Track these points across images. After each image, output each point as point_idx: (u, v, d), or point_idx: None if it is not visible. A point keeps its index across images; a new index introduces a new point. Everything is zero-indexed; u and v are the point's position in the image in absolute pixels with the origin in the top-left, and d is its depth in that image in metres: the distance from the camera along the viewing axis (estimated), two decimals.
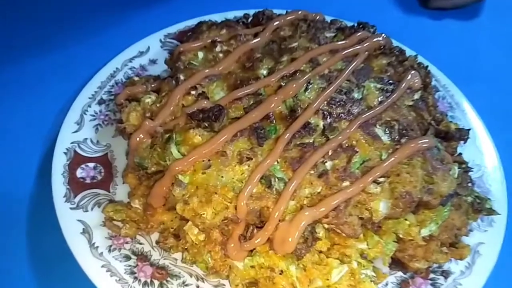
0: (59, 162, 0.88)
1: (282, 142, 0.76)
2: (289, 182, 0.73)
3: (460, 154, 0.91)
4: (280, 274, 0.71)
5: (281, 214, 0.71)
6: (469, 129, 0.93)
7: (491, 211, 0.81)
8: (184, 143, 0.77)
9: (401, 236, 0.77)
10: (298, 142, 0.78)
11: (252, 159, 0.74)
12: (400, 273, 0.80)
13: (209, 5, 1.27)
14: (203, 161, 0.74)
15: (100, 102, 1.00)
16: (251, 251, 0.74)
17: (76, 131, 0.94)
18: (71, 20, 1.29)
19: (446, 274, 0.81)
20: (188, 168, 0.74)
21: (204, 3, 1.33)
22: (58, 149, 0.90)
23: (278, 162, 0.76)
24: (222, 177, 0.74)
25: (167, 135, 0.78)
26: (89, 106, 0.98)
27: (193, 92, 0.85)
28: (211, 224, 0.71)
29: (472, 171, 0.89)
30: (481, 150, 0.98)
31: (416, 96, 0.90)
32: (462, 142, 0.93)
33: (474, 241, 0.83)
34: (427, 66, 0.98)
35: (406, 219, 0.77)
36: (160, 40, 1.14)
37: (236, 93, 0.84)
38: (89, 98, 1.00)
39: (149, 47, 1.12)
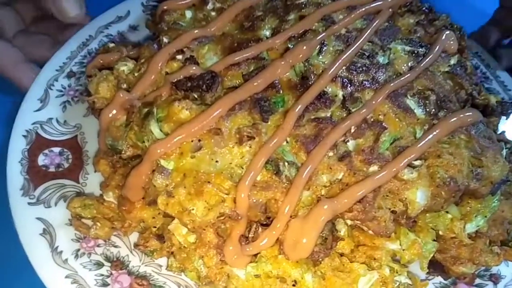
0: (17, 147, 0.73)
1: (292, 116, 0.63)
2: (302, 167, 0.60)
3: (504, 132, 0.77)
4: (293, 286, 0.56)
5: (292, 208, 0.58)
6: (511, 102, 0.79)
7: None
8: (167, 120, 0.62)
9: (441, 233, 0.65)
10: (312, 117, 0.64)
11: (254, 138, 0.61)
12: (439, 279, 0.66)
13: None
14: (192, 141, 0.60)
15: (70, 75, 0.85)
16: (255, 255, 0.60)
17: (38, 110, 0.79)
18: None
19: (495, 278, 0.68)
20: (173, 151, 0.60)
21: None
22: (16, 131, 0.76)
23: (287, 142, 0.63)
24: (216, 161, 0.60)
25: (146, 110, 0.63)
26: (56, 80, 0.83)
27: (179, 57, 0.71)
28: (203, 222, 0.56)
29: None
30: None
31: (453, 61, 0.77)
32: (504, 117, 0.78)
33: None
34: (461, 27, 0.82)
35: (447, 212, 0.64)
36: (142, 4, 0.98)
37: (232, 57, 0.70)
38: (56, 70, 0.85)
39: (129, 12, 0.97)
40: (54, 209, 0.67)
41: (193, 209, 0.55)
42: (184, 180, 0.57)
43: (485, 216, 0.63)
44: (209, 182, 0.56)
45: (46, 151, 0.74)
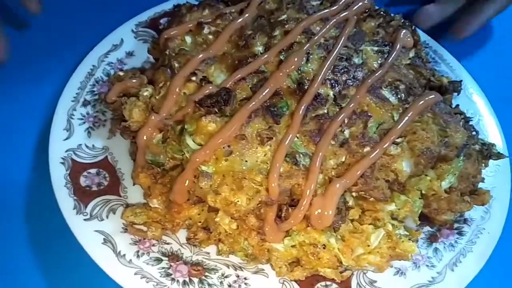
0: (59, 174, 0.81)
1: (298, 116, 0.75)
2: (314, 156, 0.73)
3: (458, 105, 0.94)
4: (324, 248, 0.70)
5: (313, 189, 0.70)
6: (460, 81, 0.96)
7: (500, 155, 0.85)
8: (198, 133, 0.73)
9: (424, 192, 0.78)
10: (313, 115, 0.77)
11: (272, 138, 0.73)
12: (427, 228, 0.82)
13: None
14: (223, 148, 0.71)
15: (85, 104, 0.93)
16: (288, 231, 0.72)
17: (67, 138, 0.87)
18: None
19: (468, 222, 0.84)
20: (210, 157, 0.71)
21: None
22: (53, 160, 0.83)
23: (298, 138, 0.75)
24: (246, 161, 0.71)
25: (179, 127, 0.74)
26: (74, 109, 0.91)
27: (193, 78, 0.81)
28: (247, 210, 0.69)
29: (471, 120, 0.92)
30: (472, 100, 1.01)
31: (411, 54, 0.91)
32: (455, 94, 0.95)
33: (486, 186, 0.86)
34: (412, 24, 0.99)
35: (426, 175, 0.79)
36: (132, 31, 1.07)
37: (238, 73, 0.81)
38: (72, 101, 0.93)
39: (122, 39, 1.05)
40: (107, 221, 0.76)
41: (238, 201, 0.68)
42: (224, 180, 0.69)
43: (455, 174, 0.78)
44: (245, 178, 0.69)
45: (85, 173, 0.82)
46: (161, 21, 1.09)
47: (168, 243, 0.77)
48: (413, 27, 0.99)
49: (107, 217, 0.78)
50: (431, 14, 1.16)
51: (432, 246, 0.82)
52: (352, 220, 0.75)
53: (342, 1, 0.96)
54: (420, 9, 1.17)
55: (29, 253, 0.83)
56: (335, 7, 0.94)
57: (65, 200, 0.78)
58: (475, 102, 1.01)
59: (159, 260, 0.74)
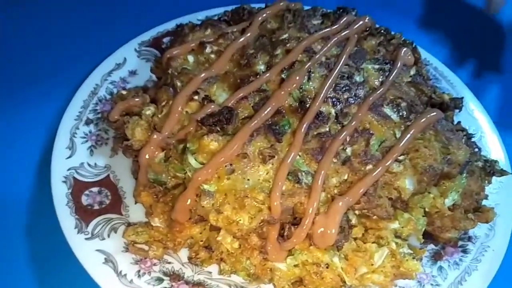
0: (61, 193, 0.82)
1: (300, 135, 0.75)
2: (316, 174, 0.73)
3: (459, 122, 0.94)
4: (327, 267, 0.70)
5: (316, 208, 0.70)
6: (462, 98, 0.96)
7: (503, 172, 0.84)
8: (200, 151, 0.73)
9: (427, 209, 0.78)
10: (315, 133, 0.77)
11: (274, 156, 0.73)
12: (431, 246, 0.82)
13: (173, 8, 1.22)
14: (225, 166, 0.71)
15: (88, 122, 0.94)
16: (290, 250, 0.72)
17: (69, 157, 0.87)
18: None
19: (472, 239, 0.83)
20: (212, 176, 0.71)
21: (165, 7, 1.28)
22: (55, 178, 0.84)
23: (300, 156, 0.75)
24: (248, 179, 0.71)
25: (182, 146, 0.75)
26: (77, 128, 0.92)
27: (195, 97, 0.81)
28: (249, 229, 0.69)
29: (474, 137, 0.92)
30: (474, 116, 1.01)
31: (412, 72, 0.92)
32: (457, 110, 0.96)
33: (489, 203, 0.85)
34: (412, 42, 1.00)
35: (429, 193, 0.78)
36: (135, 50, 1.09)
37: (240, 92, 0.81)
38: (75, 119, 0.93)
39: (125, 58, 1.06)
40: (108, 240, 0.76)
41: (240, 220, 0.68)
42: (226, 198, 0.69)
43: (458, 191, 0.77)
44: (247, 196, 0.69)
45: (86, 192, 0.83)
46: (164, 40, 1.11)
47: (169, 263, 0.76)
48: (414, 45, 0.99)
49: (108, 236, 0.78)
50: None
51: (436, 264, 0.81)
52: (355, 239, 0.74)
53: (343, 20, 0.97)
54: None
55: (29, 272, 0.83)
56: (336, 26, 0.95)
57: (66, 219, 0.78)
58: (476, 118, 1.01)
59: (160, 280, 0.73)
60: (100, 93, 0.99)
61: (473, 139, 0.93)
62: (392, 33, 1.01)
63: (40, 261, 0.84)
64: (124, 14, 1.28)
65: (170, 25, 1.13)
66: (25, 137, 1.00)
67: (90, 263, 0.73)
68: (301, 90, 0.82)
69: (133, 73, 1.05)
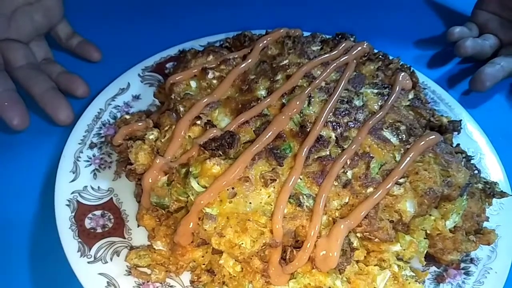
0: (64, 216, 0.82)
1: (301, 159, 0.76)
2: (317, 197, 0.73)
3: (458, 144, 0.95)
4: None
5: (318, 231, 0.70)
6: (460, 120, 0.98)
7: (503, 194, 0.85)
8: (202, 175, 0.74)
9: (428, 232, 0.78)
10: (316, 156, 0.78)
11: (276, 180, 0.73)
12: (433, 268, 0.82)
13: (175, 35, 1.25)
14: (227, 190, 0.72)
15: (92, 146, 0.95)
16: (292, 273, 0.72)
17: (73, 180, 0.88)
18: None
19: (474, 261, 0.83)
20: (214, 200, 0.71)
21: (168, 33, 1.31)
22: (58, 202, 0.84)
23: (301, 179, 0.75)
24: (250, 203, 0.72)
25: (184, 169, 0.75)
26: (81, 152, 0.94)
27: (198, 122, 0.83)
28: (251, 252, 0.69)
29: (473, 158, 0.93)
30: (472, 139, 1.03)
31: (411, 96, 0.94)
32: (456, 133, 0.97)
33: (490, 225, 0.86)
34: (410, 66, 1.02)
35: (430, 215, 0.79)
36: (139, 75, 1.11)
37: (241, 117, 0.83)
38: (79, 143, 0.95)
39: (129, 83, 1.08)
40: (111, 264, 0.76)
41: (242, 243, 0.68)
42: (228, 222, 0.70)
43: (459, 213, 0.78)
44: (249, 220, 0.70)
45: (89, 215, 0.83)
46: (167, 65, 1.14)
47: (171, 286, 0.76)
48: (411, 69, 1.01)
49: (111, 259, 0.78)
50: (494, 73, 1.18)
51: (439, 287, 0.80)
52: (357, 262, 0.75)
53: (342, 46, 0.99)
54: (478, 71, 1.19)
55: None
56: (335, 52, 0.97)
57: (69, 242, 0.79)
58: (475, 140, 1.02)
59: None
60: (104, 118, 1.01)
61: (472, 161, 0.94)
62: (390, 58, 1.03)
63: (43, 285, 0.83)
64: (127, 40, 1.31)
65: (172, 51, 1.16)
66: (29, 160, 1.01)
67: (93, 286, 0.73)
68: (301, 115, 0.83)
69: (136, 97, 1.07)
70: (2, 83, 0.94)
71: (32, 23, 1.06)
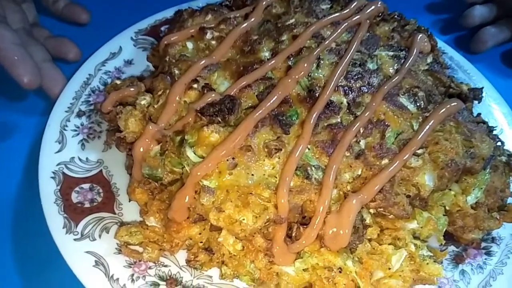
0: (48, 189, 0.76)
1: (309, 126, 0.70)
2: (327, 169, 0.67)
3: (479, 114, 0.88)
4: (340, 272, 0.63)
5: (327, 206, 0.64)
6: (481, 88, 0.90)
7: None
8: (199, 144, 0.68)
9: (448, 208, 0.73)
10: (325, 124, 0.71)
11: (281, 149, 0.67)
12: (451, 248, 0.76)
13: None
14: (227, 160, 0.65)
15: (80, 115, 0.88)
16: (299, 252, 0.66)
17: (59, 151, 0.82)
18: None
19: (496, 240, 0.77)
20: (212, 171, 0.65)
21: None
22: (42, 174, 0.78)
23: (309, 149, 0.69)
24: (252, 175, 0.66)
25: (179, 138, 0.68)
26: (68, 120, 0.87)
27: (195, 86, 0.76)
28: (253, 229, 0.63)
29: (495, 129, 0.86)
30: (493, 108, 0.95)
31: (429, 60, 0.87)
32: (476, 102, 0.89)
33: None
34: (427, 28, 0.94)
35: (450, 189, 0.73)
36: (132, 38, 1.03)
37: (243, 80, 0.76)
38: (66, 111, 0.88)
39: (121, 47, 1.01)
40: (99, 241, 0.71)
41: (243, 219, 0.62)
42: (228, 195, 0.63)
43: (481, 188, 0.72)
44: (251, 193, 0.63)
45: (77, 188, 0.77)
46: (162, 28, 1.06)
47: (166, 266, 0.71)
48: (429, 32, 0.93)
49: (99, 236, 0.72)
50: (493, 34, 1.15)
51: (458, 268, 0.75)
52: (370, 240, 0.69)
53: (354, 4, 0.91)
54: (480, 31, 1.15)
55: (15, 275, 0.77)
56: (346, 11, 0.89)
57: (54, 218, 0.73)
58: (496, 110, 0.94)
59: (156, 285, 0.68)
60: (93, 84, 0.94)
61: (494, 133, 0.86)
62: (407, 19, 0.94)
63: (27, 264, 0.78)
64: (118, 0, 1.22)
65: (168, 12, 1.08)
66: (12, 129, 0.95)
67: (79, 266, 0.68)
68: (309, 78, 0.77)
69: (129, 62, 0.99)
70: (9, 37, 0.85)
71: None
